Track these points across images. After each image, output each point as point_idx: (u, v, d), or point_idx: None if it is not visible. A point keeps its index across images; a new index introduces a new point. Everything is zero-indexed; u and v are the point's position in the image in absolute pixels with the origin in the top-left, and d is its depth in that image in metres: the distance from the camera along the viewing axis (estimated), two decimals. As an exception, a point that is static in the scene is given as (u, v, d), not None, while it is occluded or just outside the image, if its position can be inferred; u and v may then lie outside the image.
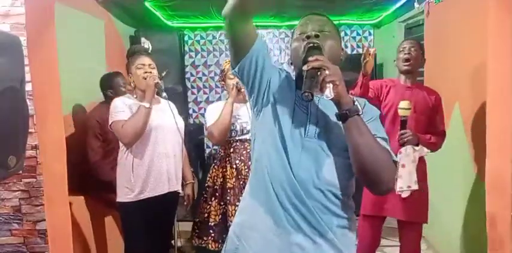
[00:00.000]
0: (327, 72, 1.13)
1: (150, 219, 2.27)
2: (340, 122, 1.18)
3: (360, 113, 1.16)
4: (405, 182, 2.25)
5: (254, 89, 1.30)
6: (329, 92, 1.11)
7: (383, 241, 3.08)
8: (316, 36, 1.25)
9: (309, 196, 1.23)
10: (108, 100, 2.59)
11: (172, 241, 2.92)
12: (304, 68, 1.14)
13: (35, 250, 2.20)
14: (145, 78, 2.21)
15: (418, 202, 2.31)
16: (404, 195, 2.27)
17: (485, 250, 1.84)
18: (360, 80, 2.25)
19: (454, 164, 2.82)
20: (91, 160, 2.52)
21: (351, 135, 1.16)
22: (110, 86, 2.67)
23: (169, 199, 2.37)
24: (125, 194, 2.25)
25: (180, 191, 2.44)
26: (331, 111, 1.23)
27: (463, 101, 2.69)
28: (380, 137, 1.23)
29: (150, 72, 2.24)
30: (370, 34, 4.58)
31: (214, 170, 2.58)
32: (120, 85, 2.67)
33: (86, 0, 2.89)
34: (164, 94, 2.30)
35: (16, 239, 2.18)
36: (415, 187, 2.26)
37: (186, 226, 3.63)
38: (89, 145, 2.52)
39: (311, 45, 1.22)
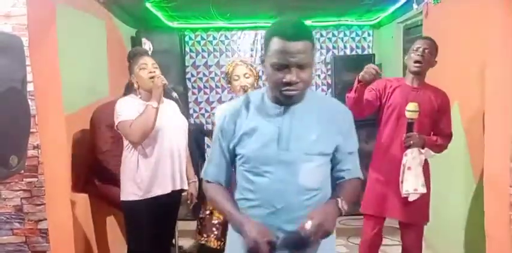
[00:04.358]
0: None
1: (154, 218, 2.28)
2: (314, 129, 1.34)
3: None
4: (411, 185, 2.21)
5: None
6: None
7: (384, 241, 3.09)
8: (296, 84, 1.27)
9: (293, 206, 1.34)
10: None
11: (173, 240, 2.93)
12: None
13: (36, 250, 2.20)
14: (152, 78, 2.22)
15: (419, 203, 2.28)
16: (412, 198, 2.24)
17: (485, 250, 1.85)
18: (355, 84, 2.14)
19: (453, 164, 2.82)
20: (102, 149, 2.54)
21: None
22: None
23: (173, 198, 2.37)
24: (129, 193, 2.25)
25: (186, 189, 2.44)
26: (306, 118, 1.34)
27: (462, 101, 2.70)
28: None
29: (154, 72, 2.25)
30: (369, 35, 4.59)
31: None
32: None
33: (87, 1, 2.90)
34: (175, 94, 2.30)
35: (18, 238, 2.18)
36: (423, 190, 2.22)
37: (187, 226, 3.65)
38: (102, 136, 2.54)
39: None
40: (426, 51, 2.26)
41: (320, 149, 1.36)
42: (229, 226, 1.48)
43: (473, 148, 2.54)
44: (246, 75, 2.40)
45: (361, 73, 2.10)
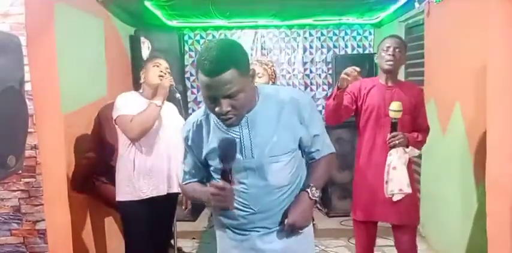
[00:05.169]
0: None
1: (150, 219, 2.27)
2: (273, 131, 1.39)
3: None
4: (396, 185, 2.20)
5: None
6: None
7: (383, 241, 3.08)
8: (227, 112, 1.29)
9: (269, 206, 1.43)
10: None
11: (172, 241, 2.91)
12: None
13: (34, 250, 2.19)
14: (161, 77, 2.25)
15: (409, 204, 2.27)
16: (396, 198, 2.22)
17: (485, 250, 1.84)
18: (334, 91, 2.15)
19: (455, 165, 2.81)
20: (110, 144, 2.53)
21: None
22: None
23: (169, 200, 2.36)
24: (124, 193, 2.25)
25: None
26: (263, 123, 1.39)
27: (463, 101, 2.69)
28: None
29: (165, 74, 2.28)
30: (370, 34, 4.57)
31: None
32: None
33: (85, 0, 2.88)
34: (178, 95, 2.35)
35: (16, 239, 2.17)
36: (408, 190, 2.21)
37: (186, 227, 3.64)
38: (110, 134, 2.52)
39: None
40: (396, 50, 2.29)
41: (284, 149, 1.42)
42: (217, 235, 1.58)
43: (475, 148, 2.52)
44: (259, 75, 2.41)
45: (342, 77, 2.08)
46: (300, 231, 1.47)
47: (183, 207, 2.56)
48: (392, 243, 2.49)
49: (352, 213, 2.44)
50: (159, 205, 2.28)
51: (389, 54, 2.27)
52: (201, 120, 1.46)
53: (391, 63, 2.28)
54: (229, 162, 1.32)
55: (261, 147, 1.39)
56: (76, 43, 2.58)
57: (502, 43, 1.77)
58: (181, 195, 2.46)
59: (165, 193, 2.29)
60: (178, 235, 3.02)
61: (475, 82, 2.47)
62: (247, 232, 1.47)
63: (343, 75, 2.08)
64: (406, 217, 2.31)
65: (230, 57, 1.25)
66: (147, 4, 3.59)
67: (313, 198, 1.46)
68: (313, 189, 1.46)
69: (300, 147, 1.48)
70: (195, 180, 1.54)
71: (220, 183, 1.30)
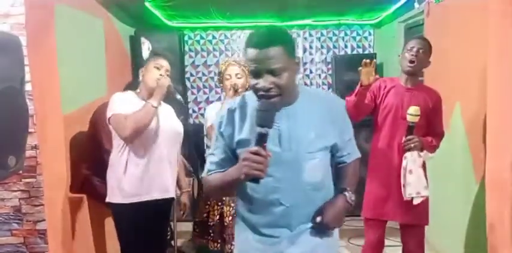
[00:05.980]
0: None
1: (142, 223, 2.18)
2: (312, 127, 1.40)
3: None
4: (414, 188, 2.20)
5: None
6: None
7: (386, 242, 3.07)
8: (269, 89, 1.30)
9: (301, 203, 1.41)
10: None
11: (172, 242, 2.90)
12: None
13: (35, 250, 2.19)
14: (158, 80, 2.18)
15: (419, 205, 2.25)
16: (416, 201, 2.21)
17: (485, 249, 1.84)
18: (358, 88, 2.15)
19: (455, 165, 2.81)
20: (106, 147, 2.50)
21: None
22: None
23: (163, 205, 2.29)
24: (115, 195, 2.17)
25: (176, 195, 2.37)
26: (302, 118, 1.39)
27: (463, 101, 2.69)
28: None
29: (163, 76, 2.21)
30: (370, 34, 4.58)
31: None
32: None
33: (85, 0, 2.88)
34: (179, 96, 2.28)
35: (16, 239, 2.18)
36: (425, 193, 2.21)
37: (186, 227, 3.63)
38: (107, 134, 2.48)
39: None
40: (420, 51, 2.25)
41: (320, 145, 1.42)
42: (236, 228, 1.55)
43: (475, 149, 2.52)
44: (238, 76, 2.40)
45: (359, 70, 2.09)
46: (331, 231, 1.48)
47: (181, 212, 2.53)
48: (394, 243, 2.50)
49: (362, 210, 2.42)
50: (152, 207, 2.19)
51: (412, 54, 2.25)
52: (235, 108, 1.45)
53: (412, 64, 2.26)
54: (267, 125, 1.25)
55: (298, 142, 1.39)
56: (76, 43, 2.58)
57: (501, 43, 1.77)
58: (179, 195, 2.43)
59: (157, 198, 2.20)
60: (178, 235, 3.01)
61: (475, 82, 2.47)
62: (277, 233, 1.43)
63: (359, 69, 2.10)
64: (415, 218, 2.30)
65: (280, 36, 1.33)
66: (147, 5, 3.60)
67: (350, 202, 1.47)
68: (350, 192, 1.48)
69: (330, 150, 1.47)
70: (222, 170, 1.45)
71: (255, 147, 1.24)
